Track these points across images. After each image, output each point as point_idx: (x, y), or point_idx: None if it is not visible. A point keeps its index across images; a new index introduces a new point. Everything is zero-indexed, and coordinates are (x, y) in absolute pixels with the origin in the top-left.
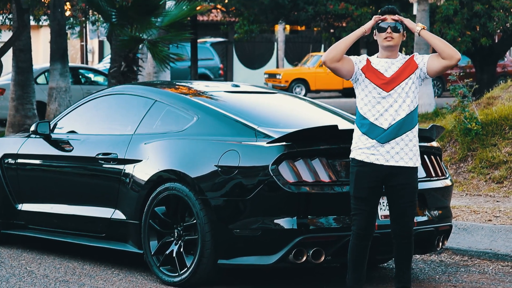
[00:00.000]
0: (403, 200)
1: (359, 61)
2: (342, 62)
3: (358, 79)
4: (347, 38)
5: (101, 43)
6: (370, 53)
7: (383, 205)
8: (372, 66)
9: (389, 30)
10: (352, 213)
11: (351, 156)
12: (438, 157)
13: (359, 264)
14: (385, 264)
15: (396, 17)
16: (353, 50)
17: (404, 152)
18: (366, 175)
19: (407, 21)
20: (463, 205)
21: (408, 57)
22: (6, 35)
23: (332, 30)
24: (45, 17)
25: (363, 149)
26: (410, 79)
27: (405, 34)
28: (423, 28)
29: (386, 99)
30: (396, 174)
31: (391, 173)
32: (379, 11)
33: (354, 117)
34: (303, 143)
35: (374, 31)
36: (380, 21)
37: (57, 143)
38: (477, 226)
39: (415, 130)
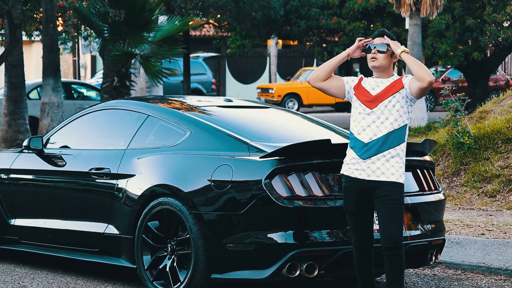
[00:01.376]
0: (384, 211)
1: (352, 80)
2: (330, 82)
3: (351, 97)
4: (331, 60)
5: (93, 58)
6: (362, 69)
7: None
8: (362, 85)
9: (374, 51)
10: (350, 231)
11: (341, 172)
12: (431, 171)
13: (365, 273)
14: (379, 278)
15: (381, 39)
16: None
17: (385, 167)
18: (351, 190)
19: (392, 43)
20: (456, 219)
21: (398, 77)
22: None
23: (324, 45)
24: (37, 33)
25: (349, 164)
26: (394, 97)
27: (394, 56)
28: (404, 51)
29: (370, 115)
30: (379, 187)
31: (374, 187)
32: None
33: (347, 131)
34: (296, 157)
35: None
36: (366, 44)
37: (49, 158)
38: (470, 240)
39: (399, 148)
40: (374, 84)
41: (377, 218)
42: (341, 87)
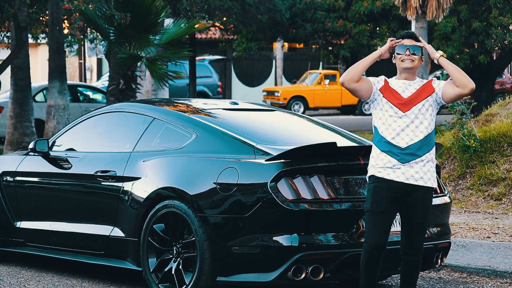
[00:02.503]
0: (416, 216)
1: (377, 81)
2: (361, 83)
3: (376, 99)
4: (364, 60)
5: (99, 61)
6: (367, 70)
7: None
8: (390, 86)
9: (407, 52)
10: (366, 229)
11: (370, 174)
12: (436, 174)
13: (371, 274)
14: (384, 281)
15: (412, 41)
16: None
17: (423, 172)
18: (384, 189)
19: (429, 47)
20: (461, 222)
21: (425, 80)
22: (5, 53)
23: (330, 48)
24: (43, 35)
25: (383, 167)
26: (427, 101)
27: (423, 58)
28: (442, 55)
29: (402, 119)
30: (413, 192)
31: (408, 190)
32: (398, 35)
33: (353, 134)
34: (301, 160)
35: (393, 54)
36: (396, 44)
37: (55, 161)
38: (476, 243)
39: (432, 152)
40: (403, 86)
41: (399, 222)
42: (370, 89)
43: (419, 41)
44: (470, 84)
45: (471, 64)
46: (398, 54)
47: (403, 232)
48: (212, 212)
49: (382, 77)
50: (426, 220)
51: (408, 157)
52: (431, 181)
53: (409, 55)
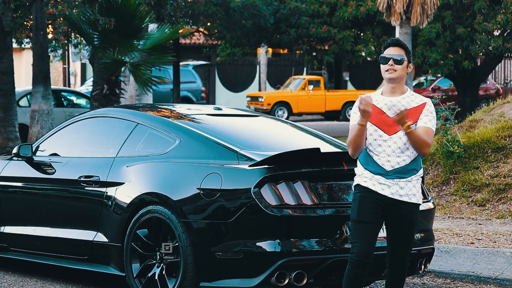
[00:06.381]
0: (401, 232)
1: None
2: (364, 132)
3: None
4: (353, 136)
5: (83, 66)
6: (352, 76)
7: None
8: (374, 104)
9: (391, 62)
10: (352, 240)
11: (356, 182)
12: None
13: (355, 285)
14: (368, 287)
15: (397, 49)
16: (335, 75)
17: (408, 188)
18: (370, 200)
19: (398, 117)
20: (445, 228)
21: (418, 99)
22: None
23: (314, 53)
24: (27, 40)
25: (369, 178)
26: (415, 125)
27: (410, 66)
28: (409, 130)
29: (387, 142)
30: (398, 206)
31: (393, 204)
32: (384, 44)
33: (336, 140)
34: (285, 166)
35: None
36: (382, 54)
37: (39, 166)
38: (460, 249)
39: (419, 173)
40: (389, 104)
41: (386, 230)
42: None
43: (406, 48)
44: (426, 152)
45: (455, 70)
46: (382, 64)
47: (389, 245)
48: (195, 217)
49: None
50: (412, 235)
51: (394, 176)
52: (416, 197)
53: (392, 65)
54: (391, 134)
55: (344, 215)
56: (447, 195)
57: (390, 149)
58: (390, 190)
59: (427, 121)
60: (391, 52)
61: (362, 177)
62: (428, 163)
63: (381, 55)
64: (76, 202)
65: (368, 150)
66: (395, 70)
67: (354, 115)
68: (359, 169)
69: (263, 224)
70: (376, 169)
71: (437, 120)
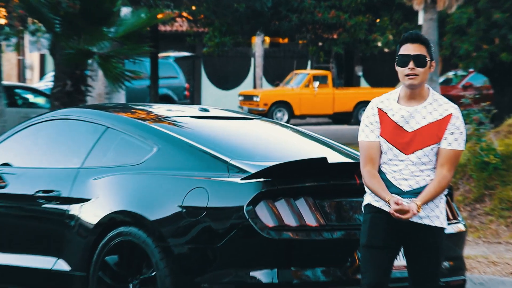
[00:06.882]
0: (425, 262)
1: (375, 120)
2: (376, 156)
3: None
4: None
5: (42, 58)
6: (366, 71)
7: None
8: (389, 117)
9: (411, 64)
10: (362, 269)
11: (366, 202)
12: (448, 197)
13: None
14: None
15: (418, 47)
16: (346, 69)
17: (429, 209)
18: (384, 221)
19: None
20: (479, 255)
21: (442, 108)
22: None
23: (320, 43)
24: None
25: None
26: (435, 146)
27: (433, 64)
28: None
29: (404, 162)
30: (418, 231)
31: (412, 228)
32: (401, 38)
33: (347, 148)
34: (285, 179)
35: (395, 62)
36: (399, 52)
37: None
38: (497, 280)
39: (442, 193)
40: (407, 115)
41: (406, 259)
42: (378, 144)
43: (427, 44)
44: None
45: (491, 63)
46: (400, 66)
47: (411, 277)
48: (176, 241)
49: (375, 110)
50: (438, 265)
51: (410, 196)
52: (439, 220)
53: (413, 68)
54: (408, 153)
55: (356, 239)
56: (481, 215)
57: (408, 171)
58: None
59: (452, 141)
60: (409, 50)
61: (374, 195)
62: (458, 176)
63: (398, 53)
64: (32, 223)
65: (381, 168)
66: (417, 75)
67: (363, 132)
68: None
69: (258, 250)
70: (391, 188)
71: (469, 124)
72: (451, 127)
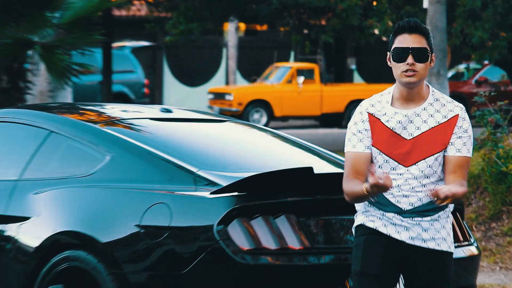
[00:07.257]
0: None
1: (363, 128)
2: (363, 169)
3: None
4: (351, 188)
5: None
6: (360, 64)
7: None
8: (382, 123)
9: (410, 59)
10: None
11: (357, 223)
12: (458, 214)
13: None
14: None
15: (417, 38)
16: (336, 62)
17: (434, 230)
18: (380, 245)
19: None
20: (495, 284)
21: (446, 109)
22: None
23: (306, 31)
24: None
25: (378, 217)
26: (440, 155)
27: (433, 58)
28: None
29: (404, 175)
30: (422, 256)
31: (414, 253)
32: (396, 27)
33: (337, 156)
34: (263, 193)
35: (388, 54)
36: (395, 44)
37: None
38: None
39: (449, 207)
40: (405, 120)
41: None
42: (369, 155)
43: (427, 34)
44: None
45: (509, 54)
46: (396, 61)
47: None
48: (133, 267)
49: (365, 115)
50: None
51: (411, 215)
52: (446, 243)
53: (412, 63)
54: (408, 165)
55: (347, 265)
56: (498, 236)
57: (408, 186)
58: (409, 233)
59: (461, 147)
60: (407, 42)
61: (368, 215)
62: (470, 189)
63: (393, 45)
64: None
65: None
66: (416, 71)
67: (349, 142)
68: (361, 204)
69: (231, 277)
70: (389, 207)
71: (484, 127)
72: (459, 131)
